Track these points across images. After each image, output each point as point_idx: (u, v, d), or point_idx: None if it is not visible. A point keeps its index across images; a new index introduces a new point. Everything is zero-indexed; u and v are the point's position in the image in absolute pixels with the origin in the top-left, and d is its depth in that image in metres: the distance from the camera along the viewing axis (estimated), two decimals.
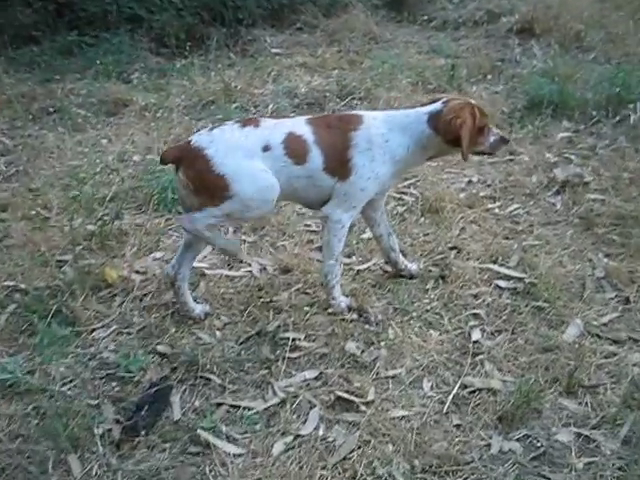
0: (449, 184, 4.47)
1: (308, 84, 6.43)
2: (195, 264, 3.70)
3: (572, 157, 4.78)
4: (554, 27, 7.44)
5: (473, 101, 3.24)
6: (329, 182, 3.09)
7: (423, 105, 3.25)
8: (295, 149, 3.04)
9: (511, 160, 4.77)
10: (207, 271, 3.74)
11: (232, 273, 3.73)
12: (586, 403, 2.72)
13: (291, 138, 3.05)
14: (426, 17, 8.83)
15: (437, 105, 3.15)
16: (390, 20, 8.85)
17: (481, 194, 4.34)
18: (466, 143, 3.04)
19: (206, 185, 2.96)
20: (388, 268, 3.64)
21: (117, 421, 2.73)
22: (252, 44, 8.15)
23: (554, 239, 3.85)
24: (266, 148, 3.00)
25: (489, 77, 6.32)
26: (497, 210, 4.16)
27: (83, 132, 5.75)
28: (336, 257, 3.21)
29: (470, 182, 4.52)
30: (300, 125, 3.12)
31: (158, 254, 3.92)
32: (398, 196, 4.35)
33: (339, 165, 3.06)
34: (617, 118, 5.20)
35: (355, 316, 3.26)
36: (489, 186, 4.45)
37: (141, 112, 6.11)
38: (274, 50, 7.92)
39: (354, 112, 3.31)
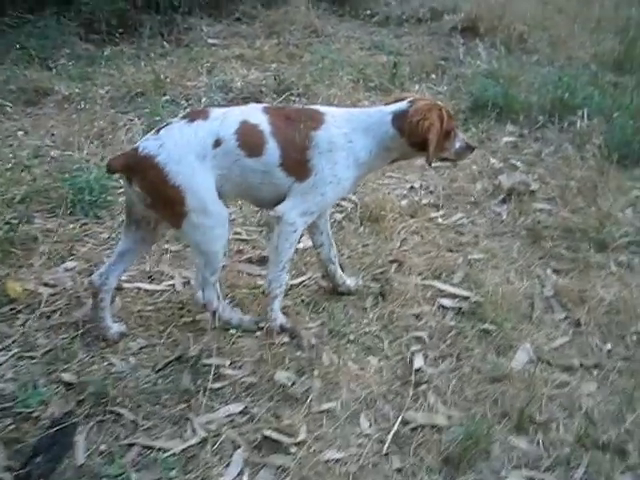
0: (390, 190, 4.21)
1: (244, 78, 6.07)
2: None
3: (517, 163, 4.60)
4: (498, 27, 7.31)
5: (441, 103, 2.98)
6: (285, 180, 2.81)
7: (387, 104, 2.98)
8: (249, 140, 2.74)
9: (455, 165, 4.53)
10: (125, 284, 3.35)
11: (152, 287, 3.37)
12: (538, 442, 2.49)
13: (245, 127, 2.75)
14: (369, 12, 8.59)
15: (402, 104, 2.90)
16: (332, 14, 8.56)
17: (423, 202, 4.09)
18: (433, 147, 2.80)
19: (164, 199, 2.68)
20: (324, 283, 3.35)
21: (8, 468, 2.35)
22: (188, 33, 7.72)
23: (500, 252, 3.63)
24: (217, 143, 2.70)
25: (432, 76, 6.11)
26: (440, 220, 3.92)
27: None
28: (284, 264, 2.91)
29: (412, 188, 4.27)
30: (256, 113, 2.81)
31: (71, 264, 3.51)
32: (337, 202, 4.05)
33: (297, 164, 2.78)
34: (563, 124, 5.05)
35: (286, 339, 2.94)
36: (432, 193, 4.21)
37: (63, 102, 5.64)
38: (210, 40, 7.52)
39: (314, 107, 2.98)
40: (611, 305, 3.20)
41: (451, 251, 3.62)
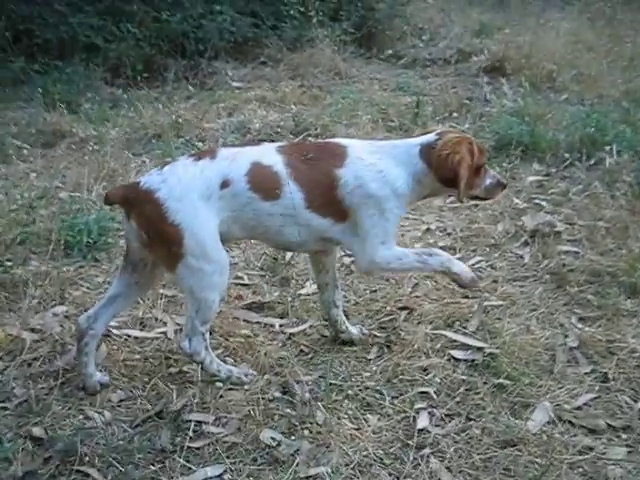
0: (404, 232, 3.94)
1: (263, 119, 5.96)
2: None
3: (543, 203, 4.30)
4: (525, 66, 7.10)
5: (470, 136, 2.80)
6: (320, 222, 2.65)
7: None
8: (263, 182, 2.57)
9: (475, 206, 4.26)
10: (114, 331, 3.15)
11: (142, 334, 3.16)
12: None
13: (257, 169, 2.58)
14: (396, 55, 8.50)
15: (430, 137, 2.75)
16: (358, 57, 8.46)
17: (439, 244, 3.82)
18: (464, 183, 2.61)
19: (159, 236, 2.52)
20: (326, 332, 3.08)
21: None
22: (212, 77, 7.72)
23: (521, 298, 3.33)
24: (225, 184, 2.54)
25: (455, 115, 5.88)
26: None
27: (10, 164, 5.19)
28: (420, 260, 2.69)
29: (428, 230, 4.01)
30: (269, 154, 2.65)
31: (60, 308, 3.33)
32: None
33: (328, 205, 2.62)
34: (591, 161, 4.76)
35: (278, 394, 2.68)
36: (449, 235, 3.94)
37: (79, 144, 5.60)
38: (235, 84, 7.49)
39: (335, 141, 2.82)
40: None
41: (467, 297, 3.33)
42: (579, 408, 2.62)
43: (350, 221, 2.67)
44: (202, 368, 2.75)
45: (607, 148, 4.67)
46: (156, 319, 3.25)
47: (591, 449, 2.42)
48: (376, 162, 2.67)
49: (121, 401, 2.72)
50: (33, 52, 7.57)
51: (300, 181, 2.61)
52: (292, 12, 8.06)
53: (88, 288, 3.53)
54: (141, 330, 3.19)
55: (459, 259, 3.53)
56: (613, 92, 6.50)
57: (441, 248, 3.69)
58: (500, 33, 8.43)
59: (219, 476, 2.34)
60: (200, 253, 2.54)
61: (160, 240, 2.54)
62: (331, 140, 2.96)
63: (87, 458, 2.38)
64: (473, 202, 4.15)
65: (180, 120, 5.93)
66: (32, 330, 3.14)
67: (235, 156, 2.64)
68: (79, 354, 2.76)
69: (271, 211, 2.61)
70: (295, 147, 2.84)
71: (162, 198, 2.51)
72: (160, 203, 2.50)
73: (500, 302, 3.30)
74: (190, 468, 2.37)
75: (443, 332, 3.04)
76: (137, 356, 2.99)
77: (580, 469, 2.33)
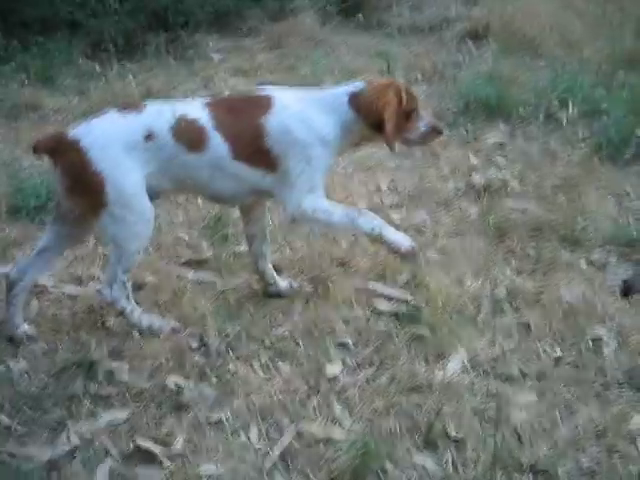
0: (353, 191, 3.90)
1: (233, 88, 5.91)
2: (39, 280, 3.16)
3: (499, 161, 4.23)
4: (508, 32, 6.93)
5: (400, 82, 2.81)
6: (250, 173, 2.66)
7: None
8: (188, 135, 2.60)
9: (430, 166, 4.21)
10: (50, 288, 3.16)
11: (77, 291, 3.16)
12: (447, 461, 2.12)
13: (182, 123, 2.61)
14: (381, 23, 8.36)
15: (358, 84, 2.75)
16: (343, 26, 8.31)
17: (386, 201, 3.78)
18: (390, 128, 2.61)
19: (82, 184, 2.57)
20: (257, 286, 3.07)
21: None
22: (193, 49, 7.65)
23: (459, 252, 3.28)
24: (149, 137, 2.57)
25: (427, 78, 5.79)
26: (400, 219, 3.58)
27: None
28: (350, 217, 2.68)
29: (378, 189, 3.96)
30: (195, 108, 2.67)
31: (1, 268, 3.33)
32: None
33: (256, 155, 2.63)
34: (557, 123, 4.64)
35: (195, 345, 2.68)
36: (398, 193, 3.89)
37: (48, 116, 5.61)
38: (214, 55, 7.43)
39: (262, 93, 2.81)
40: (571, 307, 2.82)
41: None
42: (496, 357, 2.58)
43: (279, 171, 2.67)
44: (123, 316, 2.75)
45: (570, 107, 4.56)
46: (93, 277, 3.25)
47: (499, 395, 2.38)
48: (302, 110, 2.67)
49: (44, 352, 2.75)
50: (14, 29, 7.58)
51: (226, 132, 2.62)
52: None
53: (31, 249, 3.53)
54: (77, 286, 3.19)
55: (404, 216, 3.55)
56: (596, 57, 6.35)
57: (387, 206, 3.71)
58: (487, 0, 8.27)
59: (125, 421, 2.35)
60: (123, 203, 2.57)
61: (83, 188, 2.58)
62: (258, 91, 2.94)
63: None
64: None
65: (152, 90, 5.92)
66: None
67: (161, 110, 2.66)
68: (8, 305, 2.80)
69: (198, 163, 2.63)
70: (222, 100, 2.91)
71: (86, 147, 2.54)
72: (84, 152, 2.54)
73: (437, 255, 3.26)
74: (97, 413, 2.39)
75: (372, 285, 3.01)
76: (67, 311, 3.00)
77: (484, 414, 2.30)
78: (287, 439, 2.23)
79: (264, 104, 2.68)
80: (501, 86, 5.16)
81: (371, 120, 2.66)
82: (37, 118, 5.56)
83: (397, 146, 2.80)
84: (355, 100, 2.69)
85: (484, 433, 2.20)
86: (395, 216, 3.65)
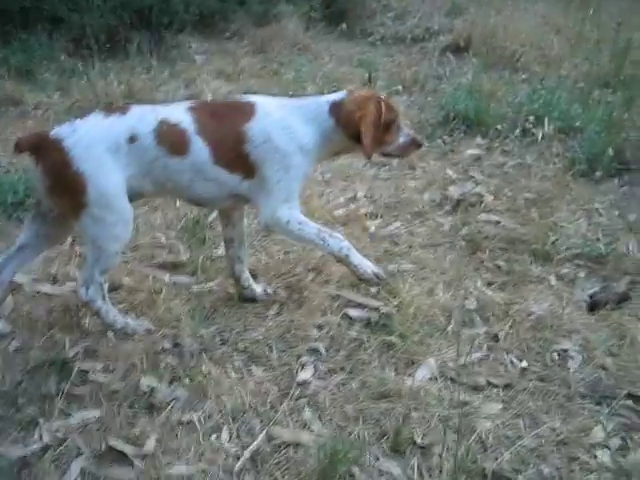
0: (330, 199, 3.96)
1: (215, 91, 5.94)
2: (15, 278, 3.16)
3: (475, 175, 4.31)
4: (489, 47, 7.04)
5: (382, 94, 2.85)
6: (228, 177, 2.70)
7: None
8: (170, 138, 2.62)
9: (406, 176, 4.28)
10: (25, 286, 3.17)
11: (53, 290, 3.16)
12: (413, 467, 2.18)
13: (164, 126, 2.63)
14: (364, 32, 8.47)
15: (340, 94, 2.83)
16: (327, 34, 8.43)
17: (362, 210, 3.84)
18: (368, 140, 2.68)
19: (63, 184, 2.57)
20: (232, 290, 3.11)
21: None
22: (176, 50, 7.68)
23: (432, 263, 3.34)
24: (132, 139, 2.59)
25: (408, 89, 5.87)
26: (374, 229, 3.65)
27: None
28: (320, 237, 2.74)
29: (354, 197, 4.02)
30: (177, 112, 2.69)
31: None
32: None
33: (235, 160, 2.66)
34: (533, 137, 4.74)
35: (168, 345, 2.71)
36: (374, 202, 3.94)
37: (28, 112, 5.59)
38: (197, 57, 7.48)
39: (245, 99, 2.85)
40: (538, 320, 2.89)
41: (378, 261, 3.34)
42: (464, 366, 2.64)
43: (257, 177, 2.71)
44: (98, 317, 2.77)
45: (545, 124, 4.66)
46: (68, 276, 3.26)
47: (466, 404, 2.45)
48: (284, 117, 2.72)
49: (17, 350, 2.75)
50: None
51: (208, 137, 2.65)
52: None
53: (7, 245, 3.53)
54: (52, 285, 3.20)
55: (378, 225, 3.60)
56: (573, 74, 6.47)
57: (363, 215, 3.76)
58: (470, 13, 8.39)
59: (97, 420, 2.37)
60: (103, 203, 2.58)
61: (64, 188, 2.58)
62: (241, 97, 2.98)
63: None
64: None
65: (133, 90, 5.92)
66: None
67: (144, 113, 2.68)
68: None
69: (179, 167, 2.66)
70: (205, 105, 2.91)
71: (69, 146, 2.55)
72: (66, 151, 2.55)
73: (410, 266, 3.31)
74: (69, 412, 2.40)
75: (344, 292, 3.06)
76: (42, 310, 3.01)
77: (450, 422, 2.35)
78: (257, 442, 2.25)
79: (247, 110, 2.72)
80: (480, 100, 5.26)
81: (350, 131, 2.72)
82: (17, 113, 5.55)
83: (374, 156, 2.86)
84: (335, 110, 2.75)
85: (449, 440, 2.25)
86: (369, 224, 3.72)
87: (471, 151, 4.72)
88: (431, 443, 2.26)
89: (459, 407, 2.41)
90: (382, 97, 2.84)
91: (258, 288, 3.06)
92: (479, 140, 4.91)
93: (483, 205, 3.85)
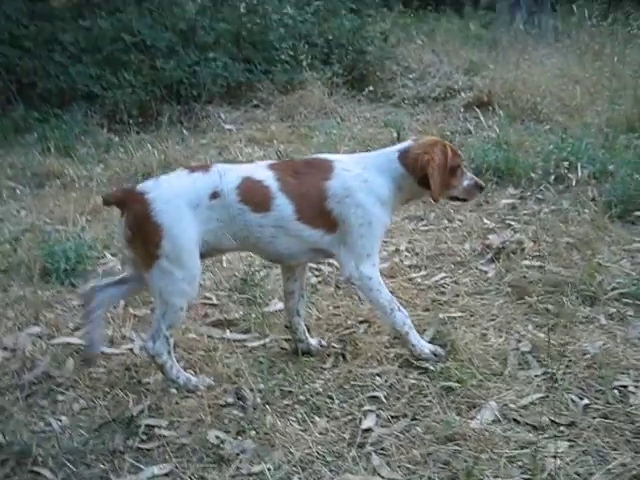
0: None
1: (249, 156, 6.14)
2: (72, 340, 3.27)
3: (513, 223, 4.38)
4: (510, 100, 7.22)
5: (445, 140, 3.00)
6: (311, 233, 2.80)
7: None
8: (253, 195, 2.73)
9: (445, 227, 4.36)
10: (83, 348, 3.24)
11: (110, 350, 3.25)
12: None
13: (248, 183, 2.74)
14: (386, 94, 8.73)
15: (407, 142, 2.99)
16: (349, 97, 8.68)
17: (406, 263, 3.91)
18: (436, 182, 2.80)
19: (141, 233, 2.69)
20: (286, 345, 3.16)
21: None
22: (206, 120, 7.98)
23: (480, 310, 3.38)
24: (215, 195, 2.70)
25: None
26: (420, 280, 3.71)
27: (2, 204, 5.41)
28: (391, 307, 2.87)
29: (397, 250, 4.10)
30: (260, 170, 2.82)
31: (34, 329, 3.45)
32: (315, 266, 3.91)
33: (318, 216, 2.77)
34: (563, 183, 4.82)
35: (231, 400, 2.75)
36: (417, 254, 4.02)
37: (70, 184, 5.81)
38: (227, 126, 7.73)
39: (322, 156, 3.03)
40: (594, 359, 2.89)
41: (427, 310, 3.40)
42: (525, 407, 2.65)
43: (339, 232, 2.81)
44: (162, 372, 2.83)
45: (579, 170, 4.74)
46: (124, 337, 3.35)
47: (532, 444, 2.44)
48: (361, 172, 2.85)
49: (82, 409, 2.82)
50: (34, 101, 7.93)
51: (290, 194, 2.77)
52: (283, 57, 8.33)
53: (63, 310, 3.65)
54: (109, 347, 3.27)
55: (423, 276, 3.66)
56: (596, 121, 6.59)
57: (407, 266, 3.82)
58: (488, 70, 8.62)
59: (167, 474, 2.40)
60: (174, 257, 2.69)
61: (141, 237, 2.71)
62: (318, 156, 3.14)
63: (41, 459, 2.46)
64: (448, 219, 4.28)
65: (171, 160, 6.14)
66: (4, 349, 3.26)
67: (227, 171, 2.80)
68: (85, 321, 2.97)
69: (262, 222, 2.76)
70: (285, 164, 3.04)
71: (150, 199, 2.69)
72: (148, 203, 2.68)
73: (459, 314, 3.35)
74: (139, 467, 2.44)
75: (396, 341, 3.09)
76: (102, 370, 3.08)
77: (519, 462, 2.35)
78: None
79: (326, 167, 2.85)
80: (509, 151, 5.38)
81: (419, 175, 2.83)
82: (60, 186, 5.74)
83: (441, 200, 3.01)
84: (404, 157, 2.88)
85: (520, 478, 2.25)
86: (414, 275, 3.78)
87: (505, 200, 4.80)
88: None
89: (526, 447, 2.41)
90: (446, 142, 2.97)
91: (313, 341, 3.11)
92: (512, 190, 5.01)
93: (525, 252, 3.89)
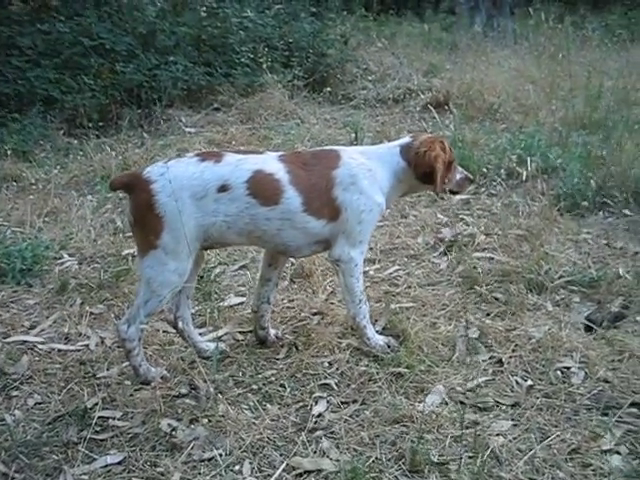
0: None
1: None
2: (28, 338, 3.28)
3: (465, 217, 4.48)
4: (467, 100, 7.37)
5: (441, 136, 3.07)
6: (315, 224, 2.83)
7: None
8: (263, 189, 2.74)
9: (400, 223, 4.44)
10: (39, 345, 3.26)
11: (66, 347, 3.25)
12: None
13: (259, 176, 2.74)
14: (346, 96, 8.80)
15: (406, 139, 3.05)
16: (311, 100, 8.74)
17: None
18: (440, 178, 2.87)
19: (143, 222, 2.71)
20: (241, 337, 3.21)
21: None
22: (166, 124, 7.94)
23: (431, 300, 3.46)
24: (223, 188, 2.69)
25: None
26: (373, 272, 3.79)
27: None
28: (359, 297, 2.95)
29: None
30: (271, 162, 2.82)
31: None
32: None
33: (323, 206, 2.81)
34: (518, 180, 4.94)
35: (184, 390, 2.78)
36: (371, 249, 4.08)
37: (28, 187, 5.76)
38: (187, 129, 7.72)
39: (328, 148, 3.14)
40: (539, 343, 3.00)
41: (379, 302, 3.47)
42: (471, 390, 2.74)
43: (340, 220, 2.86)
44: (127, 357, 2.86)
45: (529, 165, 4.87)
46: (80, 334, 3.36)
47: (477, 424, 2.53)
48: (365, 162, 2.92)
49: (36, 404, 2.82)
50: None
51: (299, 186, 2.80)
52: (243, 60, 8.37)
53: (19, 310, 3.64)
54: (65, 344, 3.28)
55: (377, 269, 3.73)
56: (551, 119, 6.76)
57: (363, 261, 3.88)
58: (447, 71, 8.77)
59: (119, 462, 2.43)
60: (172, 249, 2.71)
61: (142, 225, 2.73)
62: (324, 147, 3.27)
63: None
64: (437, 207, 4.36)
65: (130, 162, 6.13)
66: None
67: (238, 163, 2.77)
68: (184, 339, 3.10)
69: (269, 215, 2.78)
70: (293, 155, 3.03)
71: (155, 190, 2.67)
72: (152, 194, 2.67)
73: (411, 304, 3.43)
74: (92, 457, 2.46)
75: (350, 331, 3.16)
76: (57, 365, 3.09)
77: (464, 441, 2.43)
78: (279, 472, 2.32)
79: (333, 157, 2.91)
80: (464, 148, 5.48)
81: (421, 170, 2.92)
82: (18, 189, 5.70)
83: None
84: (406, 152, 2.95)
85: (465, 457, 2.33)
86: (368, 269, 3.84)
87: (459, 196, 4.88)
88: (447, 460, 2.33)
89: (471, 426, 2.49)
90: (443, 138, 3.07)
91: (273, 331, 3.15)
92: None
93: (476, 244, 4.00)
